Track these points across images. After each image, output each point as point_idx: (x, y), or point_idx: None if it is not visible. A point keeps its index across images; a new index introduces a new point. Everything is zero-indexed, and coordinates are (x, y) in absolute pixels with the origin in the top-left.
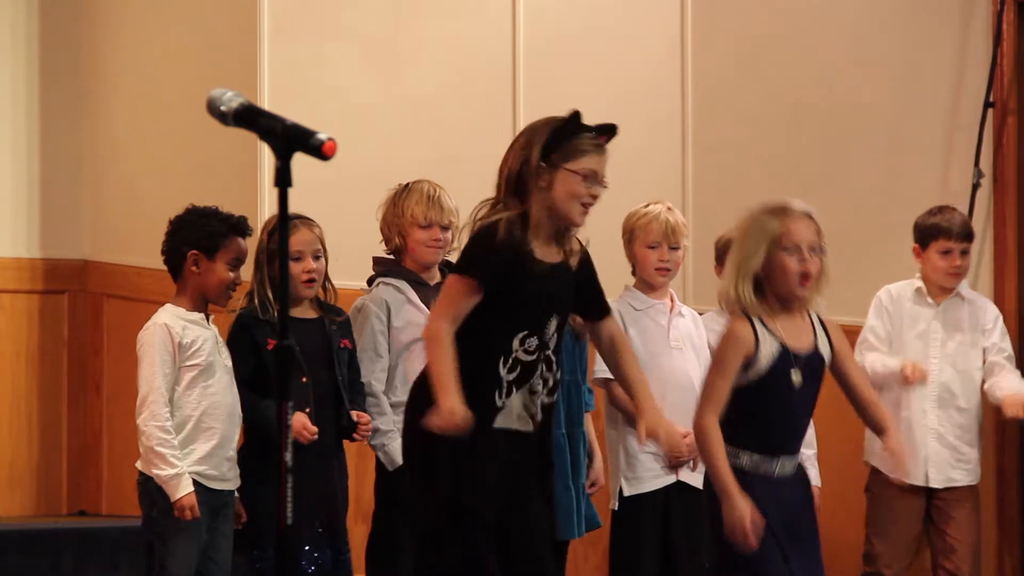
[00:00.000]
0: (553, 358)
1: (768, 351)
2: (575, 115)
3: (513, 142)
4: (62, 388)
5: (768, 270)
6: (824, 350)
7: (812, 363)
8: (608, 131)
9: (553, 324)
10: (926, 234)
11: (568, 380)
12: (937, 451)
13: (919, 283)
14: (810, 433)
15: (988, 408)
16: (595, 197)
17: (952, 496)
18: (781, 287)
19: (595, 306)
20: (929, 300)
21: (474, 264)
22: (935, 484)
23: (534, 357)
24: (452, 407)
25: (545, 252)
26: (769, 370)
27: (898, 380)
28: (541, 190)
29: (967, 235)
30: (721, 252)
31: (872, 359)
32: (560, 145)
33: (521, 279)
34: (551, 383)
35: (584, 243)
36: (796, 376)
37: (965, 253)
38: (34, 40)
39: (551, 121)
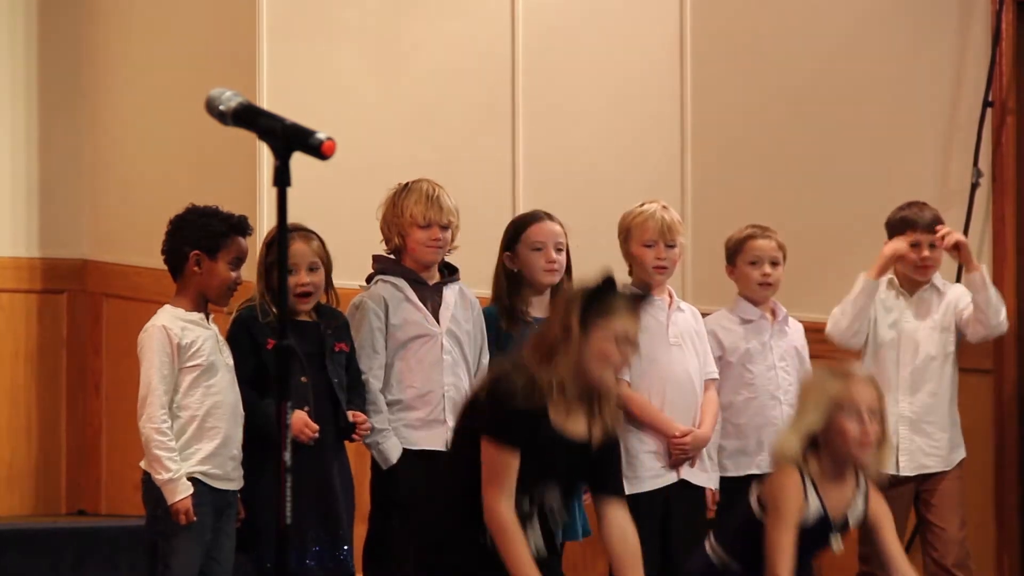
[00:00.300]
0: (552, 524)
1: (812, 512)
2: (608, 278)
3: (551, 312)
4: (61, 387)
5: (827, 432)
6: (853, 517)
7: (843, 529)
8: (641, 298)
9: (555, 493)
10: (895, 228)
11: None
12: (908, 438)
13: (891, 275)
14: None
15: (965, 397)
16: (627, 361)
17: (935, 487)
18: (839, 450)
19: (607, 483)
20: (902, 290)
21: (508, 432)
22: (906, 472)
23: (525, 515)
24: None
25: (567, 419)
26: (804, 531)
27: (875, 272)
28: (571, 353)
29: (934, 228)
30: (732, 252)
31: (837, 311)
32: (592, 307)
33: (528, 441)
34: (540, 548)
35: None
36: (836, 544)
37: (934, 246)
38: (33, 39)
39: (584, 287)
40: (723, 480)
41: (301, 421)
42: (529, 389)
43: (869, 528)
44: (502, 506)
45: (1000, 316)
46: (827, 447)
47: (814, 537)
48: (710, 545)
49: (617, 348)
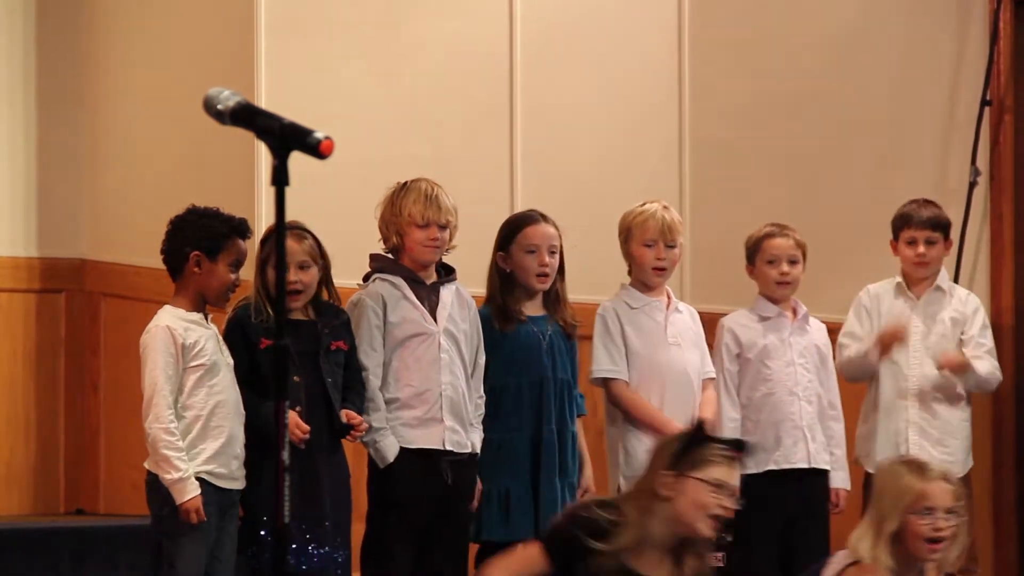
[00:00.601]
0: None
1: None
2: (701, 424)
3: (649, 460)
4: (59, 387)
5: (902, 532)
6: None
7: None
8: (739, 447)
9: None
10: (896, 225)
11: (561, 378)
12: (920, 445)
13: (899, 278)
14: (839, 433)
15: (974, 401)
16: (726, 510)
17: None
18: (911, 549)
19: None
20: (909, 294)
21: (554, 545)
22: None
23: None
24: None
25: (651, 566)
26: None
27: (877, 354)
28: (666, 500)
29: (932, 225)
30: (751, 252)
31: (847, 353)
32: (688, 455)
33: (564, 566)
34: None
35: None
36: None
37: (931, 243)
38: (31, 38)
39: (679, 433)
40: (743, 477)
41: (292, 422)
42: (602, 526)
43: None
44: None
45: (995, 380)
46: (901, 544)
47: None
48: None
49: (715, 497)
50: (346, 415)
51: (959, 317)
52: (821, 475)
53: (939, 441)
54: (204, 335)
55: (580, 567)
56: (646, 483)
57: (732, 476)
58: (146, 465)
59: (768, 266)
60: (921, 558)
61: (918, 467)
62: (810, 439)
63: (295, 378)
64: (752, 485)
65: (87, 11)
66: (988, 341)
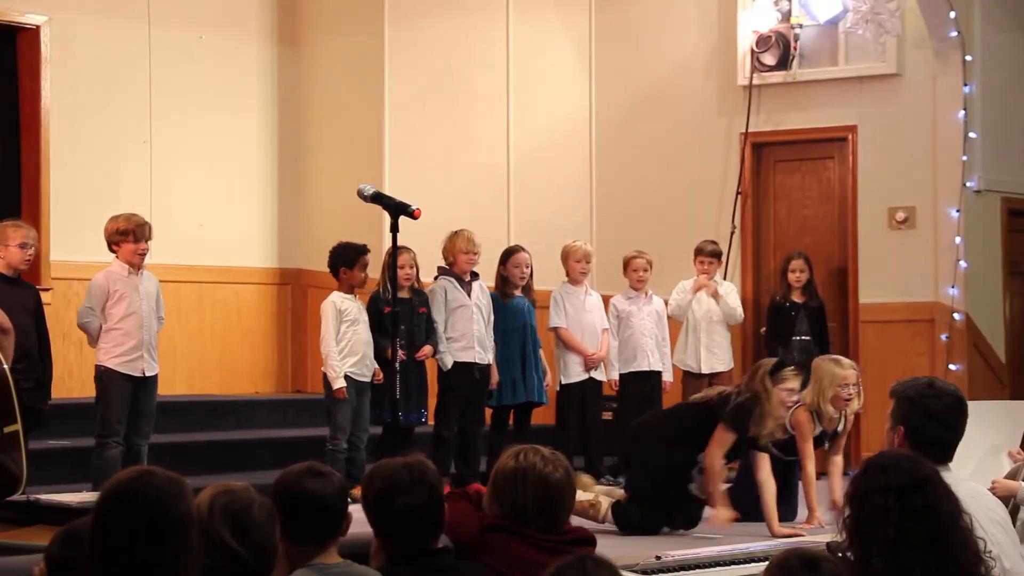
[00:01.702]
0: None
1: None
2: (780, 361)
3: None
4: (288, 329)
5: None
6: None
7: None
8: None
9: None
10: (695, 252)
11: (531, 325)
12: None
13: (695, 276)
14: (666, 352)
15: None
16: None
17: None
18: (833, 403)
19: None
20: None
21: (738, 421)
22: None
23: None
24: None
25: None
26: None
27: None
28: (767, 400)
29: (712, 253)
30: (624, 264)
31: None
32: (774, 376)
33: None
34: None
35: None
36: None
37: (711, 263)
38: (275, 137)
39: (768, 363)
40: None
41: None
42: (751, 411)
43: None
44: (716, 451)
45: (738, 315)
46: (825, 400)
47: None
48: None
49: (789, 395)
50: (421, 351)
51: (722, 292)
52: (657, 373)
53: (708, 347)
54: (352, 307)
55: (747, 432)
56: (758, 389)
57: (797, 383)
58: (322, 369)
59: (632, 272)
60: (838, 408)
61: (837, 361)
62: (650, 355)
63: (401, 327)
64: (625, 379)
65: (306, 112)
66: (734, 294)
